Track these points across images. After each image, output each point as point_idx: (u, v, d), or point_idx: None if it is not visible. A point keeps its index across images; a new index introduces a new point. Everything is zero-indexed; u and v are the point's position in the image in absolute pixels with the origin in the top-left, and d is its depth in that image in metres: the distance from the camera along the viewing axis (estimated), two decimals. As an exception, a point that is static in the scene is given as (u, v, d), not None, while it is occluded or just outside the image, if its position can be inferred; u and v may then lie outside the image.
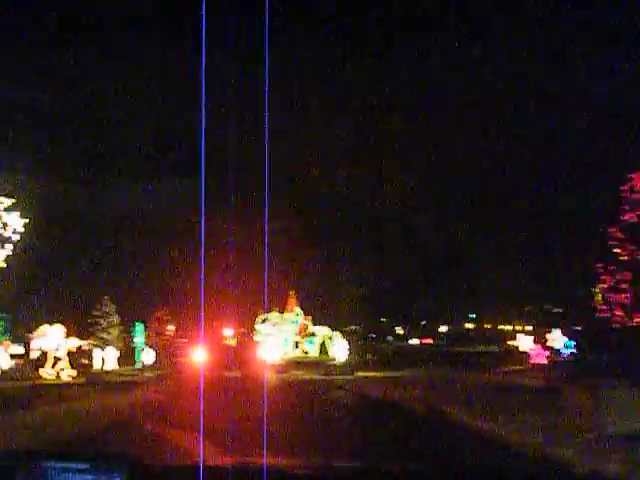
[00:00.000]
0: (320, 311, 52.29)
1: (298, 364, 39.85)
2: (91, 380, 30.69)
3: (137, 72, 42.98)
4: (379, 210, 58.67)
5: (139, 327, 52.56)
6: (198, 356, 26.26)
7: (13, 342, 54.14)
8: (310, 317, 51.39)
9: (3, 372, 39.76)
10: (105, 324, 54.39)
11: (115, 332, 54.38)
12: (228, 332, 31.28)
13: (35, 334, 55.55)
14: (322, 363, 40.39)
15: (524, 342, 49.71)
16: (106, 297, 54.63)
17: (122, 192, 53.25)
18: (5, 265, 24.81)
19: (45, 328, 54.15)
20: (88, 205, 51.78)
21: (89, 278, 52.60)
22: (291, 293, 53.07)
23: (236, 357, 25.00)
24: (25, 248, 27.10)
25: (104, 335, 53.36)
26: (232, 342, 27.87)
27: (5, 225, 24.44)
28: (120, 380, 30.34)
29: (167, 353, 35.17)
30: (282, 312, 52.12)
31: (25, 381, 30.05)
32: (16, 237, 24.96)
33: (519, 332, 56.14)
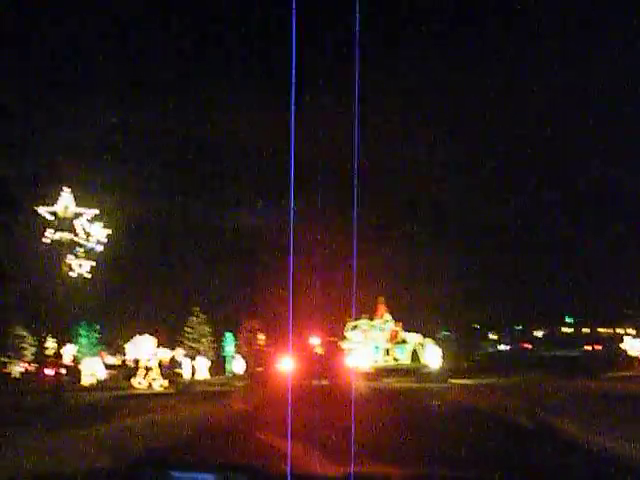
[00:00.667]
0: (411, 317, 51.07)
1: (389, 372, 38.65)
2: (182, 390, 30.46)
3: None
4: (472, 216, 57.03)
5: (229, 337, 52.74)
6: (286, 365, 25.47)
7: (109, 353, 55.44)
8: (401, 323, 50.08)
9: (99, 382, 40.45)
10: (196, 334, 54.91)
11: (206, 342, 54.80)
12: (315, 340, 30.38)
13: (128, 345, 56.73)
14: (414, 371, 39.00)
15: (633, 345, 46.81)
16: (197, 308, 55.22)
17: (213, 206, 53.79)
18: (90, 276, 24.78)
19: (138, 339, 55.15)
20: (177, 218, 52.47)
21: (180, 289, 53.15)
22: (380, 299, 51.90)
23: (324, 365, 23.96)
24: (109, 259, 27.11)
25: (195, 345, 53.81)
26: (320, 350, 26.86)
27: (89, 235, 24.39)
28: (210, 390, 29.96)
29: (256, 362, 34.73)
30: (372, 319, 51.06)
31: (118, 391, 30.07)
32: (100, 248, 24.88)
33: (622, 335, 53.21)
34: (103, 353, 55.19)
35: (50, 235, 23.45)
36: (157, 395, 27.67)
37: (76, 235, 23.96)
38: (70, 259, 23.79)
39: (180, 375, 41.76)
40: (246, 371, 38.53)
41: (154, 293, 49.77)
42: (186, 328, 54.95)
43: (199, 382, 39.61)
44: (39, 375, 50.21)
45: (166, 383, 34.95)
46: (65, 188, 23.97)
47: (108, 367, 47.07)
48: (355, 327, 50.31)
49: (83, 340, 52.70)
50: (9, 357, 53.99)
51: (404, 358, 47.15)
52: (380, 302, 51.76)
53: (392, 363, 46.05)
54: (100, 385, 38.08)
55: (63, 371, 50.12)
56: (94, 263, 24.67)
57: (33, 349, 55.18)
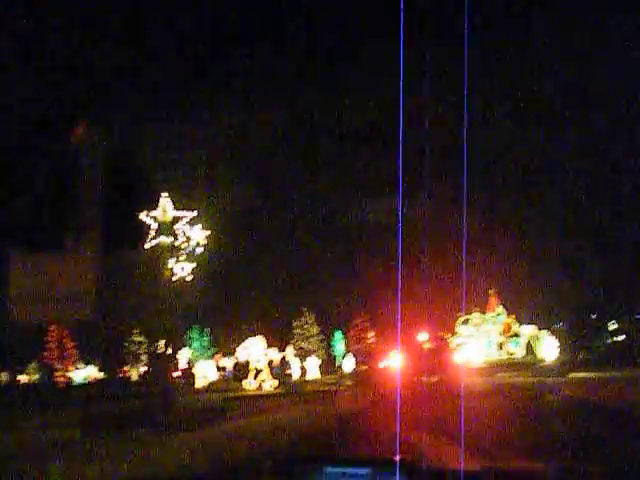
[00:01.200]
0: (524, 309, 48.98)
1: (502, 367, 37.02)
2: (291, 390, 30.16)
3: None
4: (587, 199, 54.14)
5: (338, 335, 52.36)
6: (395, 362, 24.65)
7: (223, 355, 56.23)
8: (514, 316, 48.18)
9: (210, 384, 40.93)
10: (305, 334, 54.89)
11: (315, 341, 54.69)
12: (424, 336, 29.33)
13: (240, 347, 57.40)
14: (530, 364, 37.10)
15: None
16: (305, 308, 55.20)
17: (319, 203, 53.35)
18: (191, 277, 24.75)
19: (249, 341, 55.69)
20: (280, 216, 52.36)
21: (286, 289, 53.09)
22: (492, 292, 50.17)
23: (433, 361, 22.97)
24: (211, 260, 27.06)
25: (305, 345, 53.79)
26: (429, 346, 25.84)
27: (188, 239, 24.38)
28: (320, 389, 29.53)
29: (366, 360, 34.01)
30: (483, 312, 49.47)
31: (229, 393, 30.08)
32: (200, 250, 24.83)
33: None
34: (218, 356, 56.03)
35: (151, 240, 23.66)
36: (267, 396, 27.41)
37: (176, 239, 24.06)
38: (171, 263, 23.88)
39: (290, 375, 41.62)
40: (355, 369, 37.79)
41: (259, 295, 49.88)
42: (295, 328, 55.09)
43: (309, 382, 39.32)
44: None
45: (276, 383, 34.76)
46: (163, 193, 24.11)
47: (220, 369, 47.59)
48: (466, 321, 48.90)
49: (195, 344, 53.72)
50: (128, 363, 55.74)
51: (518, 352, 45.33)
52: (492, 295, 50.05)
53: (505, 357, 44.34)
54: (212, 387, 38.35)
55: (178, 374, 51.56)
56: (194, 265, 24.64)
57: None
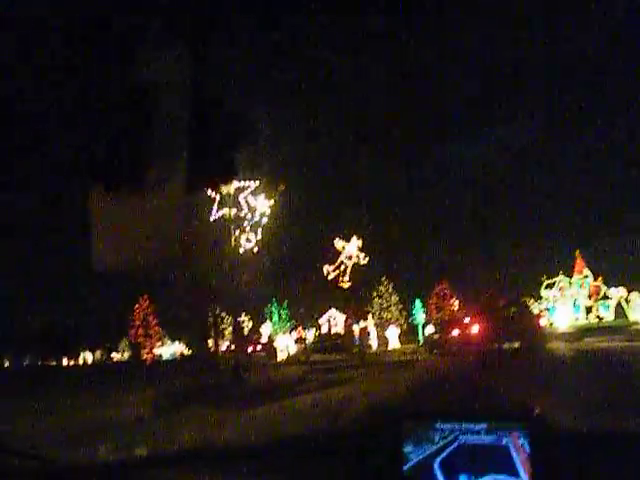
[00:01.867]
0: (612, 271, 46.58)
1: (591, 331, 35.12)
2: (367, 361, 29.41)
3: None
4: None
5: (418, 304, 51.25)
6: (475, 328, 23.61)
7: (304, 328, 56.18)
8: (601, 278, 46.01)
9: (289, 356, 40.78)
10: (384, 303, 54.04)
11: (395, 310, 53.79)
12: (504, 301, 27.98)
13: (322, 318, 57.21)
14: (620, 328, 35.10)
15: None
16: (383, 277, 54.34)
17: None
18: (257, 249, 24.09)
19: (330, 312, 55.44)
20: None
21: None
22: (577, 253, 48.07)
23: (515, 327, 21.84)
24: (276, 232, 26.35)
25: (384, 314, 53.00)
26: (510, 311, 24.58)
27: (253, 210, 23.65)
28: (399, 359, 28.65)
29: (446, 328, 32.90)
30: (569, 275, 47.49)
31: (305, 365, 29.64)
32: (264, 220, 24.07)
33: None
34: (299, 329, 56.02)
35: (215, 213, 23.10)
36: (346, 367, 26.73)
37: (240, 210, 23.38)
38: (236, 234, 23.24)
39: (370, 346, 40.97)
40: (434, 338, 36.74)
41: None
42: (374, 298, 54.29)
43: (388, 352, 38.44)
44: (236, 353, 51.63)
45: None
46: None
47: (299, 341, 47.39)
48: (551, 285, 47.17)
49: (274, 317, 53.73)
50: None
51: (608, 315, 43.33)
52: (578, 257, 47.96)
53: (594, 321, 42.39)
54: (291, 360, 38.11)
55: (260, 348, 51.76)
56: (260, 236, 23.95)
57: (230, 328, 57.17)
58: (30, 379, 36.43)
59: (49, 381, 34.71)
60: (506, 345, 21.58)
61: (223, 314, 54.92)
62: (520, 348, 21.00)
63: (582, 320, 42.80)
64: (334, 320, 54.49)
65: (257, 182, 23.81)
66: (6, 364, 62.82)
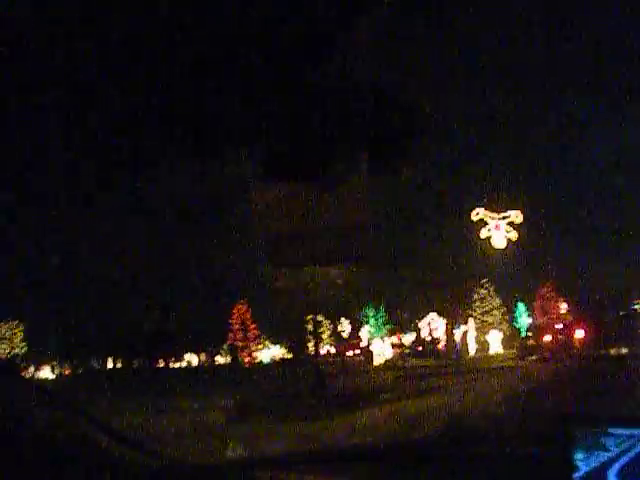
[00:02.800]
0: None
1: None
2: (462, 366, 28.01)
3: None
4: None
5: (521, 307, 49.01)
6: (578, 334, 22.04)
7: (403, 332, 54.92)
8: None
9: (387, 361, 39.74)
10: (486, 306, 51.83)
11: (497, 314, 51.48)
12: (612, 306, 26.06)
13: (421, 322, 55.67)
14: None
15: None
16: (485, 279, 52.09)
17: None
18: None
19: (430, 316, 53.84)
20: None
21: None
22: None
23: (623, 333, 20.25)
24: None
25: (486, 318, 50.82)
26: (620, 315, 22.91)
27: None
28: (496, 365, 27.09)
29: (539, 334, 30.98)
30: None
31: (400, 371, 28.55)
32: None
33: None
34: (398, 333, 54.93)
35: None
36: (442, 373, 25.46)
37: None
38: None
39: (467, 351, 39.33)
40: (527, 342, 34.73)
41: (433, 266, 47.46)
42: (475, 301, 52.17)
43: (489, 357, 36.72)
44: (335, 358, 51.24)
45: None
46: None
47: (396, 346, 46.30)
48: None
49: (371, 321, 52.49)
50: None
51: None
52: None
53: None
54: (388, 365, 37.05)
55: (357, 352, 50.88)
56: None
57: (328, 332, 56.58)
58: (138, 380, 36.97)
59: (152, 382, 35.07)
60: (613, 351, 20.16)
61: (321, 318, 54.44)
62: (627, 355, 19.67)
63: None
64: (434, 324, 52.82)
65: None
66: (118, 365, 64.89)
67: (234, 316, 52.86)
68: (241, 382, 27.36)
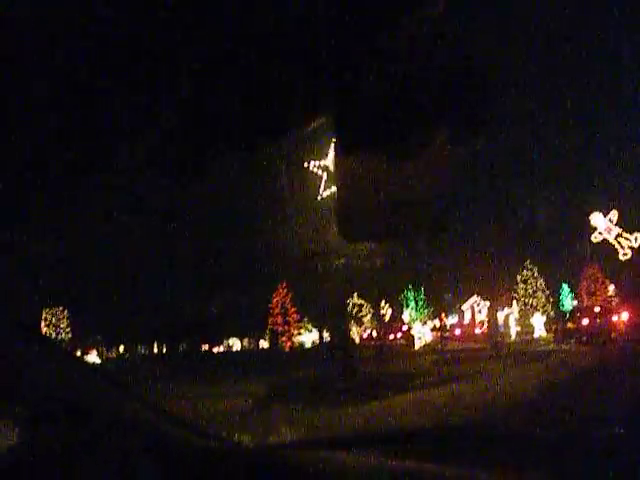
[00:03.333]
0: None
1: None
2: (501, 351, 27.10)
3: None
4: None
5: (565, 289, 47.62)
6: (623, 317, 21.13)
7: (446, 315, 54.00)
8: None
9: (426, 344, 39.00)
10: (529, 289, 50.52)
11: (542, 296, 50.13)
12: None
13: (464, 305, 54.72)
14: None
15: None
16: (528, 260, 50.68)
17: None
18: None
19: (472, 299, 52.82)
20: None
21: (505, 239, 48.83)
22: None
23: None
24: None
25: (530, 301, 49.57)
26: None
27: None
28: (537, 350, 26.19)
29: (576, 317, 29.72)
30: None
31: (437, 355, 27.84)
32: None
33: None
34: (442, 315, 54.11)
35: (323, 192, 21.13)
36: (475, 358, 24.66)
37: None
38: None
39: (509, 335, 38.23)
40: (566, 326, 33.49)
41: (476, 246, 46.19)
42: (519, 283, 50.83)
43: (532, 340, 35.61)
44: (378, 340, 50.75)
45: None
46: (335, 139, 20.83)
47: (438, 329, 45.46)
48: None
49: (411, 304, 51.66)
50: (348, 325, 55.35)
51: None
52: None
53: None
54: (427, 348, 36.30)
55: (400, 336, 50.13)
56: None
57: (370, 316, 55.88)
58: (176, 365, 36.98)
59: (191, 367, 35.05)
60: None
61: (361, 301, 53.82)
62: None
63: None
64: (478, 307, 51.79)
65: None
66: (164, 350, 65.48)
67: (274, 300, 52.58)
68: (277, 367, 27.04)
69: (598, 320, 22.69)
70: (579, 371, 15.77)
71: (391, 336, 51.24)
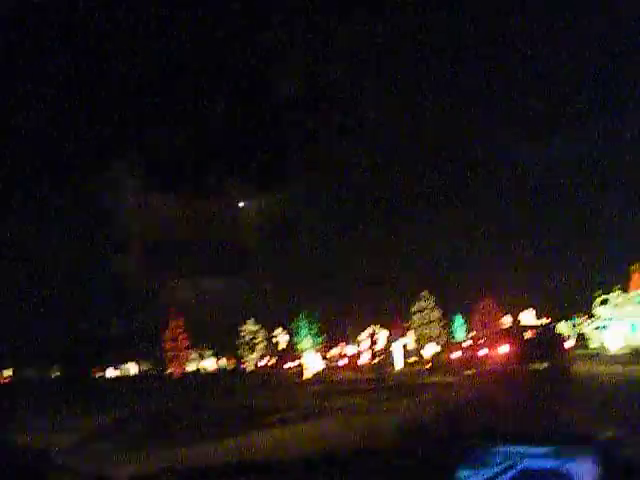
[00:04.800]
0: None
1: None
2: (391, 382, 26.07)
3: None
4: None
5: (458, 320, 47.45)
6: (502, 349, 20.86)
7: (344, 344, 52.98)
8: (664, 294, 40.99)
9: (315, 374, 37.70)
10: (425, 319, 50.16)
11: (436, 327, 49.85)
12: (531, 320, 24.74)
13: (362, 335, 53.79)
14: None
15: None
16: (425, 291, 50.40)
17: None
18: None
19: (370, 328, 52.02)
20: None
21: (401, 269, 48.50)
22: (636, 266, 43.14)
23: (542, 348, 19.46)
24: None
25: (426, 331, 49.17)
26: (540, 331, 21.90)
27: None
28: (433, 380, 25.28)
29: (449, 349, 29.29)
30: (626, 291, 42.64)
31: (324, 385, 26.62)
32: None
33: None
34: (343, 344, 53.13)
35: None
36: (355, 391, 23.41)
37: None
38: None
39: (393, 365, 37.31)
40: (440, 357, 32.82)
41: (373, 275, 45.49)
42: (414, 313, 50.44)
43: (417, 372, 34.69)
44: (273, 369, 49.24)
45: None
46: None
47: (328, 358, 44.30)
48: (605, 301, 42.40)
49: (303, 331, 50.22)
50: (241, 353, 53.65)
51: (671, 338, 38.49)
52: (636, 271, 43.06)
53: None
54: (317, 378, 34.90)
55: (294, 364, 48.64)
56: None
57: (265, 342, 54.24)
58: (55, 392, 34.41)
59: (65, 395, 32.62)
60: (535, 366, 19.35)
61: (256, 327, 52.17)
62: (548, 369, 18.91)
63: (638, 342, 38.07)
64: (374, 336, 50.98)
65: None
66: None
67: (167, 326, 50.24)
68: (142, 397, 25.20)
69: (474, 352, 22.31)
70: (451, 407, 14.65)
71: (288, 364, 49.78)
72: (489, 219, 49.68)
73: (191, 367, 53.33)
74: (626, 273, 43.49)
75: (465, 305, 49.52)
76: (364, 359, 48.46)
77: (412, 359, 42.12)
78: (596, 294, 42.80)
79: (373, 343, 50.67)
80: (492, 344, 22.64)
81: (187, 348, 51.03)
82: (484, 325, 47.45)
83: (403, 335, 46.82)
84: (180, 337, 49.72)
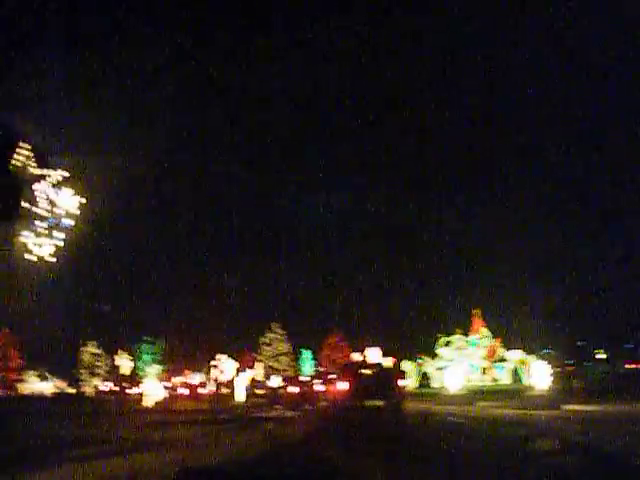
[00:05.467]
0: (510, 333, 43.46)
1: (485, 394, 31.35)
2: (219, 413, 24.99)
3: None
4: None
5: (306, 354, 47.03)
6: (340, 385, 20.39)
7: (194, 371, 50.96)
8: (499, 339, 42.74)
9: (157, 403, 35.78)
10: (274, 351, 49.39)
11: (285, 360, 49.17)
12: (375, 358, 24.60)
13: (212, 363, 52.15)
14: (516, 393, 31.40)
15: None
16: (274, 323, 49.66)
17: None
18: (54, 260, 18.06)
19: (220, 357, 50.52)
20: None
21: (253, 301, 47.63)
22: (477, 312, 44.74)
23: (379, 385, 19.18)
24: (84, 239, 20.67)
25: (273, 363, 48.33)
26: (379, 369, 21.70)
27: (53, 206, 17.73)
28: (267, 415, 24.31)
29: (288, 383, 28.80)
30: (466, 334, 44.07)
31: (167, 414, 25.05)
32: (68, 223, 18.21)
33: None
34: (188, 372, 51.04)
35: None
36: (189, 422, 22.11)
37: (36, 205, 17.45)
38: (27, 236, 17.29)
39: (232, 397, 36.13)
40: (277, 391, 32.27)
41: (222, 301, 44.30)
42: (263, 345, 49.51)
43: (259, 404, 33.76)
44: (114, 394, 46.50)
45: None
46: (22, 143, 17.25)
47: (169, 388, 42.31)
48: (448, 343, 43.62)
49: (145, 357, 47.94)
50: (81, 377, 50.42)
51: (504, 378, 40.01)
52: (476, 315, 44.65)
53: (490, 384, 38.89)
54: (158, 406, 33.06)
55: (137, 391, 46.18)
56: (61, 243, 17.96)
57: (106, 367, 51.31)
58: None
59: None
60: (369, 403, 19.29)
61: (98, 351, 49.22)
62: (384, 407, 18.95)
63: (477, 382, 39.30)
64: (221, 366, 49.48)
65: (65, 172, 17.90)
66: None
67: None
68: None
69: (305, 388, 22.09)
70: (280, 444, 13.79)
71: (133, 390, 47.28)
72: (343, 264, 50.08)
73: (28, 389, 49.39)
74: (467, 317, 45.02)
75: (315, 339, 49.28)
76: (208, 389, 46.83)
77: (261, 391, 41.16)
78: (440, 335, 43.96)
79: (220, 373, 49.15)
80: (330, 380, 22.40)
81: (21, 368, 47.08)
82: (331, 361, 47.36)
83: (251, 366, 45.70)
84: (12, 356, 45.86)
